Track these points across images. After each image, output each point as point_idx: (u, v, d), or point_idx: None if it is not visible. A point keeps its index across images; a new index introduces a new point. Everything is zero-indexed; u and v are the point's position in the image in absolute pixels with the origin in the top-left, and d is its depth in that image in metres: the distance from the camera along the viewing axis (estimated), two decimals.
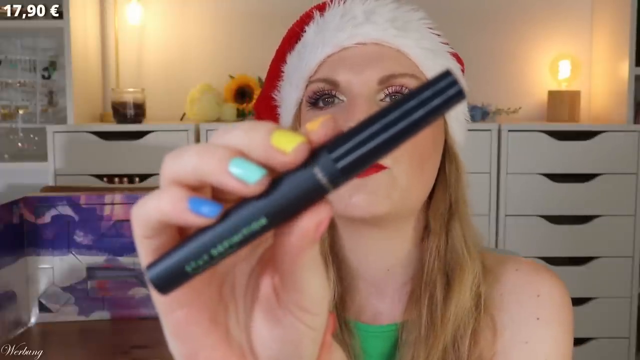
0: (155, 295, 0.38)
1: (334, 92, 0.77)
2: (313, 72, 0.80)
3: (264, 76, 0.93)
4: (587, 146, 2.56)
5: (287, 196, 0.34)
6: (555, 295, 0.79)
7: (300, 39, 0.84)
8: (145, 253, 0.37)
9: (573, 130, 2.57)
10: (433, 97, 0.33)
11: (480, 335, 0.77)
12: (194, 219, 0.34)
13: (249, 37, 2.90)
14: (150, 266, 0.36)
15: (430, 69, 0.79)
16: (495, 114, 2.80)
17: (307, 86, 0.80)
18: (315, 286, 0.37)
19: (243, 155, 0.35)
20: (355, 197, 0.72)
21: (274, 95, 0.89)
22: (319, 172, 0.34)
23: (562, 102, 2.78)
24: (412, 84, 0.76)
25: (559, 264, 2.56)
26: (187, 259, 0.35)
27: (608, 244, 2.59)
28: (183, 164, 0.35)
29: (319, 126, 0.35)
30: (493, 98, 2.88)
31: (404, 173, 0.73)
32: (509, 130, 2.54)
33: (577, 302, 2.57)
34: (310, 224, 0.35)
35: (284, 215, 0.34)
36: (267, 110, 0.91)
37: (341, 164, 0.34)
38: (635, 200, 2.57)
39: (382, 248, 0.80)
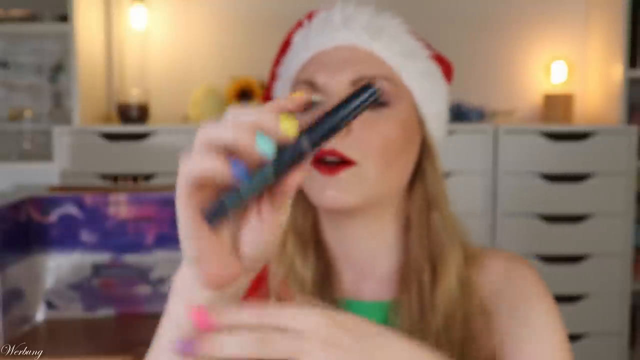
0: (179, 211, 0.56)
1: (313, 93, 0.83)
2: (297, 74, 0.85)
3: (264, 78, 0.97)
4: (582, 147, 2.58)
5: (286, 160, 0.54)
6: (535, 277, 0.85)
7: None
8: (185, 202, 0.55)
9: (567, 132, 2.58)
10: (356, 98, 0.57)
11: (471, 320, 0.82)
12: (230, 177, 0.53)
13: (250, 40, 2.91)
14: (206, 210, 0.55)
15: (405, 71, 0.84)
16: (492, 116, 2.83)
17: (293, 86, 0.86)
18: (288, 211, 0.59)
19: (263, 133, 0.54)
20: (325, 192, 0.79)
21: (272, 96, 0.93)
22: (303, 144, 0.55)
23: (556, 103, 2.79)
24: (383, 85, 0.81)
25: (554, 261, 2.59)
26: (226, 200, 0.54)
27: (602, 242, 2.60)
28: (222, 133, 0.53)
29: (292, 104, 0.57)
30: (489, 100, 2.90)
31: (372, 167, 0.79)
32: (505, 131, 2.57)
33: (572, 299, 2.60)
34: (299, 179, 0.56)
35: (283, 171, 0.55)
36: None
37: (313, 138, 0.55)
38: (628, 199, 2.59)
39: (362, 234, 0.85)
